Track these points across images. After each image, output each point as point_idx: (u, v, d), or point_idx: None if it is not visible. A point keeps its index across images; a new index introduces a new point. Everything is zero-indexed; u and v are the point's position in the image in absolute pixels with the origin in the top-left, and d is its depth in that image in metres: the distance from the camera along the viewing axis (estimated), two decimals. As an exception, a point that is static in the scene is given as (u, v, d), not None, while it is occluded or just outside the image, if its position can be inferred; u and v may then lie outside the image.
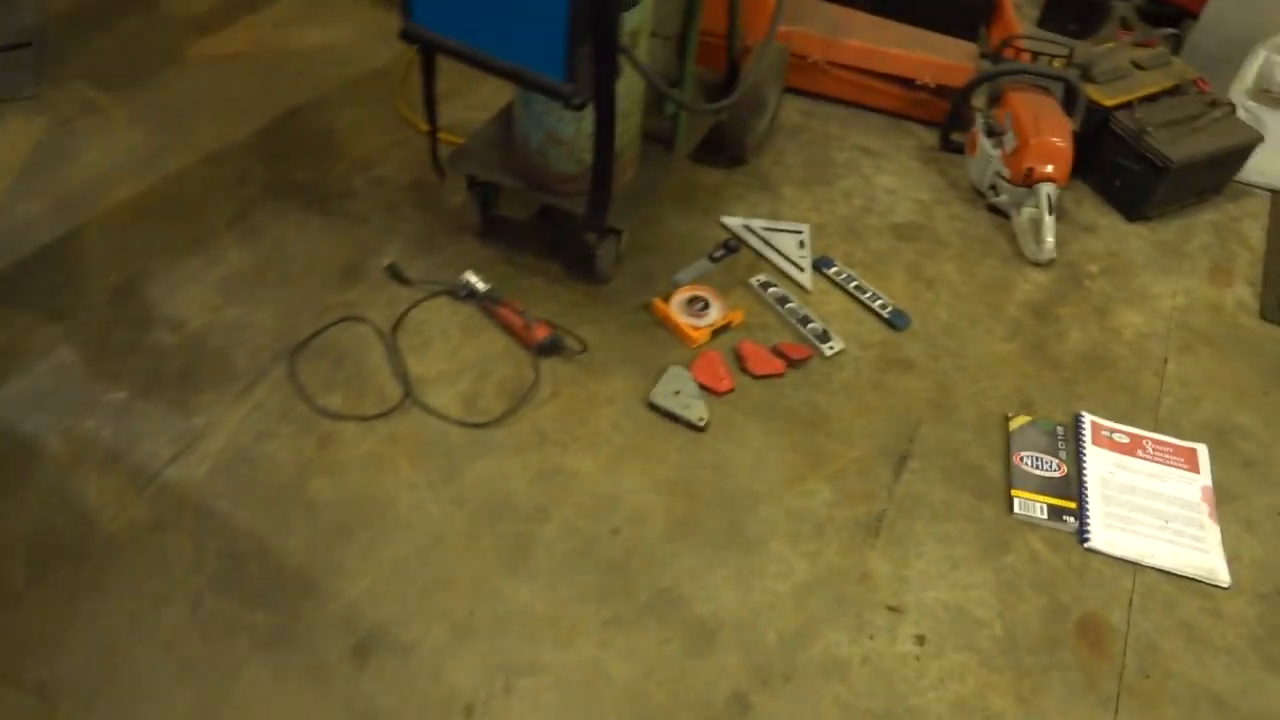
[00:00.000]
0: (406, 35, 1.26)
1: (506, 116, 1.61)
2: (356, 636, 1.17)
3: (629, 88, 1.39)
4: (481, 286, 1.57)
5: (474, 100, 1.94)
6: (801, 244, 1.74)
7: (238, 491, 1.30)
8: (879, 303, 1.63)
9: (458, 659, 1.16)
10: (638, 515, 1.32)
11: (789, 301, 1.62)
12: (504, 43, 1.20)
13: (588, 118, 1.31)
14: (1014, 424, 1.46)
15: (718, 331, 1.56)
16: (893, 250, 1.76)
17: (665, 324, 1.57)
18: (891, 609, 1.25)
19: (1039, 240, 1.72)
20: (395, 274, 1.61)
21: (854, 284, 1.66)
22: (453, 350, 1.52)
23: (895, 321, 1.60)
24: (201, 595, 1.19)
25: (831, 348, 1.55)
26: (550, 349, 1.51)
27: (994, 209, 1.85)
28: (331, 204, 1.74)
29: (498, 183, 1.57)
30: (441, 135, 1.59)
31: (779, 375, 1.50)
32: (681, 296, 1.59)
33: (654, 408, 1.44)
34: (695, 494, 1.35)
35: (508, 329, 1.54)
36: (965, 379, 1.53)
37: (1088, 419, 1.48)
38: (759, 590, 1.25)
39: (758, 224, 1.76)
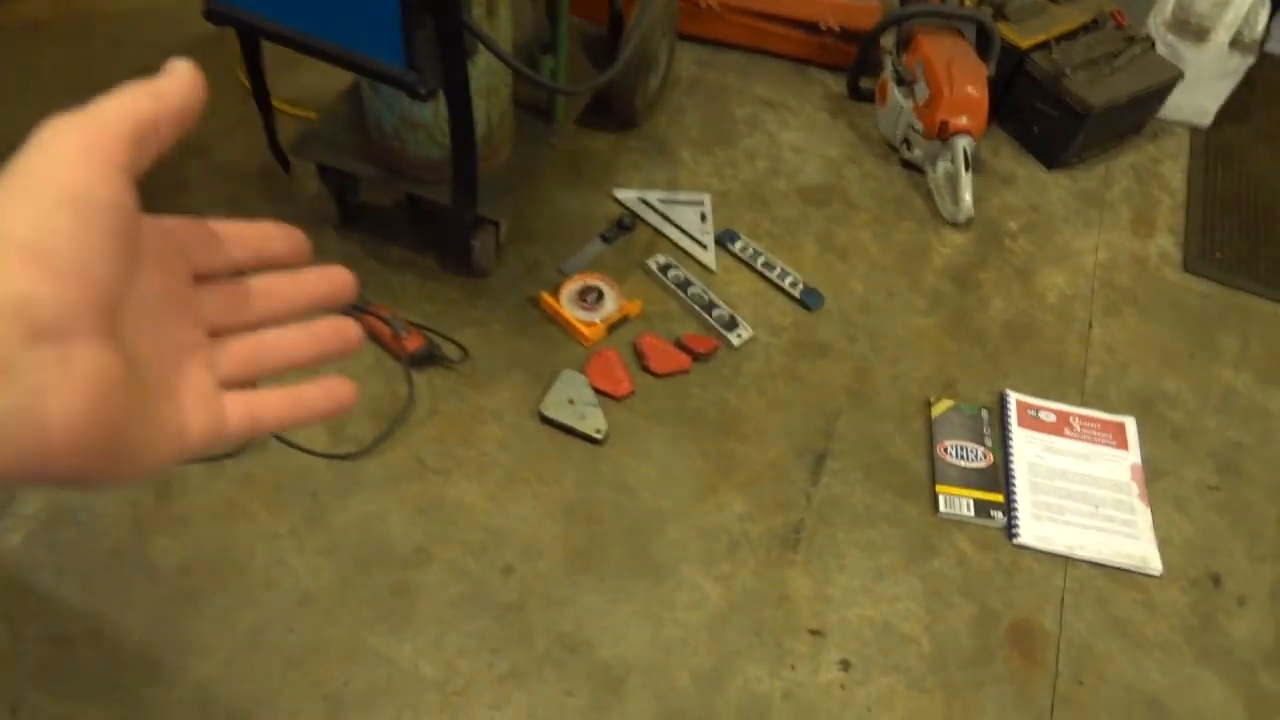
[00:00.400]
0: (212, 14, 1.06)
1: (357, 94, 1.41)
2: (211, 725, 1.03)
3: (490, 63, 1.21)
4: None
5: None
6: (703, 216, 1.59)
7: (61, 561, 1.12)
8: (789, 280, 1.51)
9: (330, 743, 1.03)
10: (532, 549, 1.19)
11: (692, 285, 1.48)
12: (330, 23, 1.00)
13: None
14: (936, 410, 1.37)
15: (614, 326, 1.42)
16: (803, 217, 1.63)
17: (556, 320, 1.42)
18: (814, 632, 1.16)
19: (956, 199, 1.62)
20: (243, 280, 1.42)
21: (761, 260, 1.53)
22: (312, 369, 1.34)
23: (808, 301, 1.48)
24: (22, 694, 1.03)
25: (740, 336, 1.43)
26: (425, 360, 1.35)
27: (908, 164, 1.73)
28: (161, 199, 1.53)
29: (352, 171, 1.38)
30: (290, 110, 1.38)
31: (684, 372, 1.38)
32: (572, 287, 1.44)
33: (546, 420, 1.30)
34: (596, 518, 1.22)
35: (376, 339, 1.37)
36: (884, 361, 1.43)
37: (1013, 398, 1.40)
38: (670, 625, 1.14)
39: (654, 196, 1.61)
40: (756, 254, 1.54)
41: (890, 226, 1.64)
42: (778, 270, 1.52)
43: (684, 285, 1.48)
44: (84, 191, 0.25)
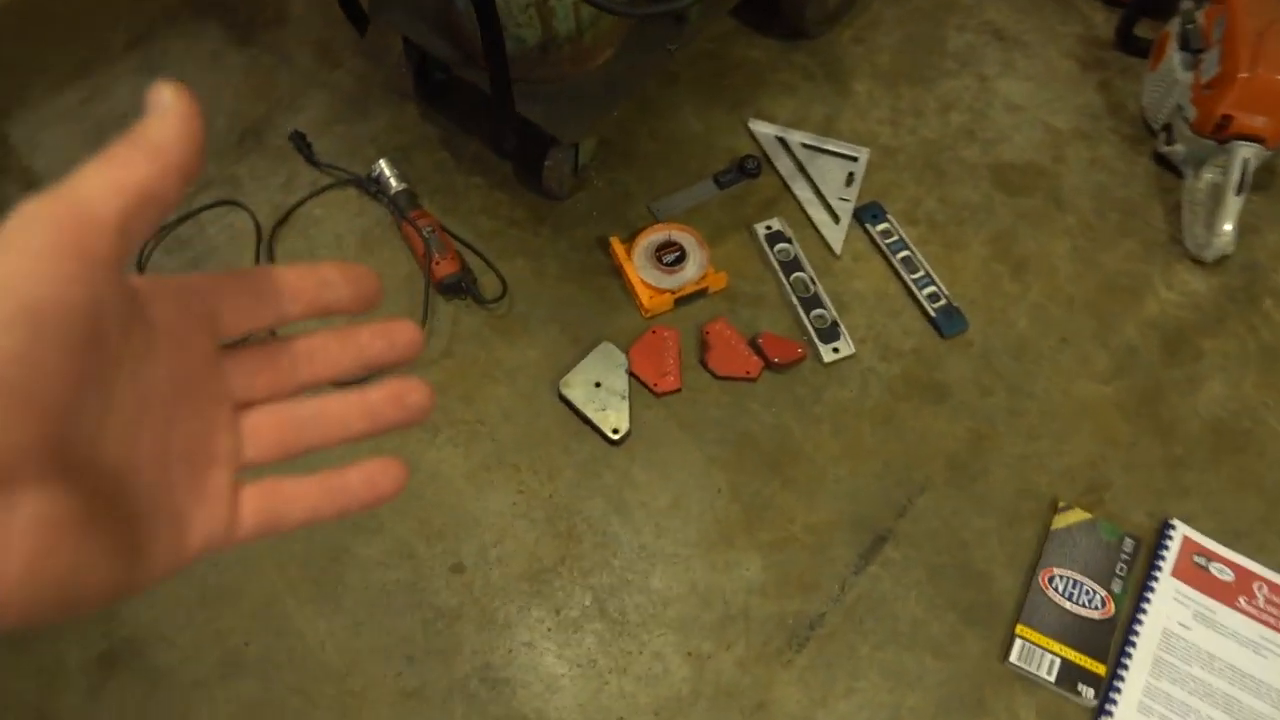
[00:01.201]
0: None
1: (450, -53, 1.18)
2: (108, 643, 0.98)
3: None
4: (395, 183, 1.22)
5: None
6: (850, 178, 1.26)
7: None
8: (928, 290, 1.17)
9: (208, 703, 0.95)
10: (492, 552, 1.02)
11: (800, 269, 1.18)
12: None
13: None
14: (1062, 519, 1.03)
15: (686, 299, 1.16)
16: (984, 205, 1.25)
17: (620, 274, 1.18)
18: (784, 763, 0.93)
19: (1212, 226, 1.17)
20: (301, 146, 1.28)
21: (903, 254, 1.20)
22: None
23: (943, 323, 1.15)
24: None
25: (836, 350, 1.13)
26: (454, 289, 1.17)
27: (1162, 159, 1.28)
28: (257, 34, 1.40)
29: (424, 46, 1.17)
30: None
31: (750, 379, 1.11)
32: (652, 238, 1.19)
33: (564, 399, 1.10)
34: (576, 535, 1.03)
35: (412, 250, 1.20)
36: (1018, 430, 1.09)
37: (1180, 531, 1.03)
38: (614, 693, 0.96)
39: (798, 137, 1.29)
40: (900, 244, 1.20)
41: (1102, 243, 1.22)
42: (920, 274, 1.18)
43: (790, 266, 1.19)
44: (47, 302, 0.22)
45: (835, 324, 1.14)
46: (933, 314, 1.15)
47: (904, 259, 1.19)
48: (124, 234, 0.24)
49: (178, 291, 0.28)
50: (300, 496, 0.31)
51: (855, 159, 1.27)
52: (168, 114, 0.25)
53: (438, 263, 1.16)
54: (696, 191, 1.25)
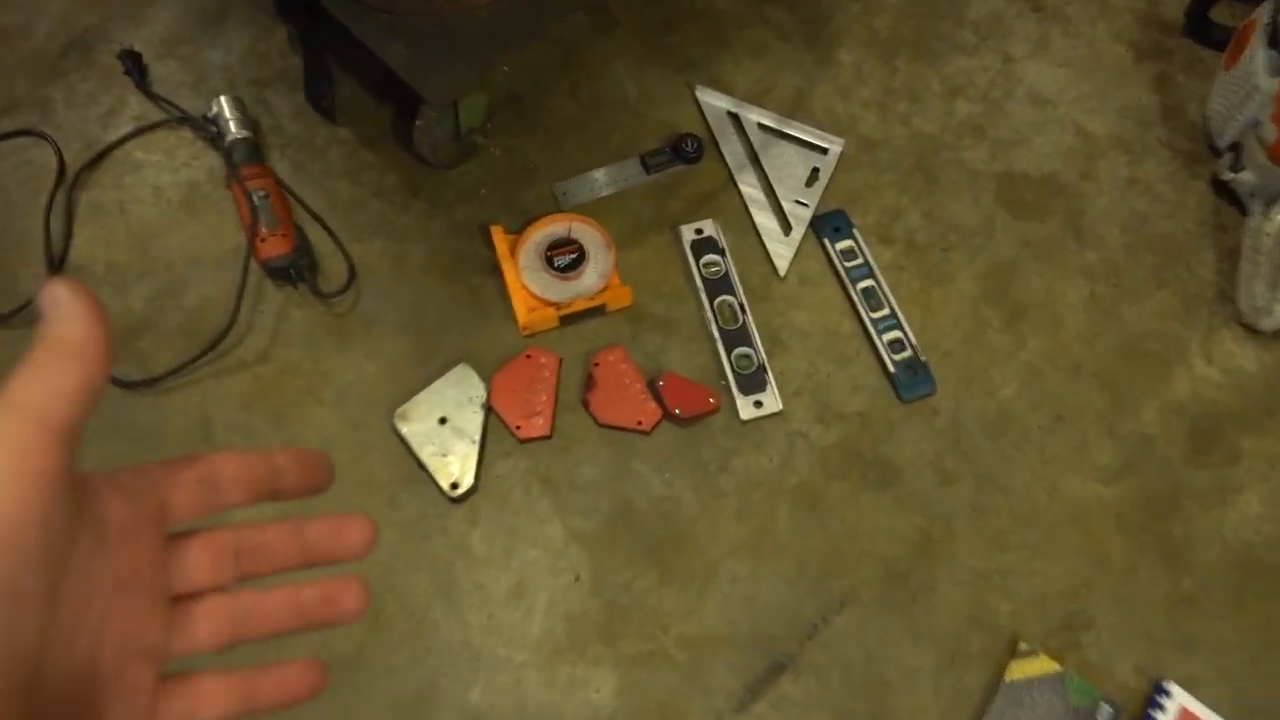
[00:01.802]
0: None
1: None
2: None
3: None
4: (235, 128, 0.97)
5: None
6: (814, 176, 0.99)
7: None
8: (892, 334, 0.90)
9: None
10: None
11: (729, 290, 0.92)
12: None
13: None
14: (1020, 666, 0.78)
15: (576, 316, 0.91)
16: (983, 227, 0.98)
17: (500, 273, 0.93)
18: None
19: (1278, 284, 0.90)
20: (132, 68, 1.02)
21: (866, 282, 0.93)
22: (151, 229, 0.96)
23: (904, 381, 0.89)
24: None
25: (758, 404, 0.88)
26: (283, 274, 0.92)
27: (1222, 188, 0.99)
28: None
29: (268, -46, 0.91)
30: None
31: (642, 431, 0.87)
32: (546, 231, 0.93)
33: (399, 436, 0.86)
34: (385, 620, 0.80)
35: (240, 217, 0.95)
36: (982, 535, 0.84)
37: (1176, 699, 0.78)
38: (397, 842, 0.73)
39: (756, 115, 1.02)
40: (864, 270, 0.94)
41: (1130, 292, 0.95)
42: (885, 312, 0.91)
43: (717, 286, 0.93)
44: (13, 521, 0.23)
45: (762, 369, 0.89)
46: (892, 367, 0.89)
47: (866, 290, 0.93)
48: (72, 439, 0.26)
49: (131, 484, 0.29)
50: (222, 699, 0.31)
51: (825, 150, 1.00)
52: (73, 312, 0.27)
53: (264, 238, 0.91)
54: (617, 174, 0.99)
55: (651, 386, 0.87)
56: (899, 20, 1.09)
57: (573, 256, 0.91)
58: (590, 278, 0.92)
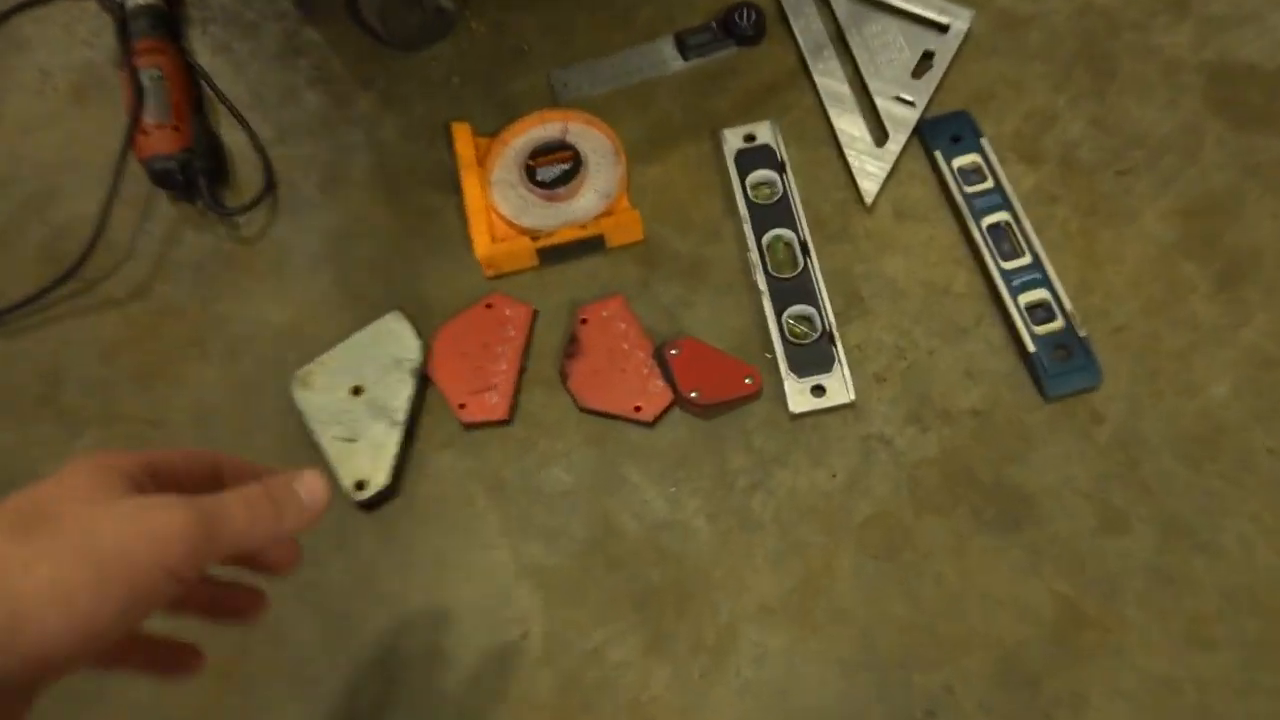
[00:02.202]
0: None
1: None
2: None
3: None
4: (142, -5, 0.73)
5: None
6: (926, 63, 0.68)
7: None
8: (1034, 294, 0.59)
9: None
10: (87, 685, 0.56)
11: (785, 224, 0.63)
12: None
13: None
14: None
15: (561, 250, 0.64)
16: (1183, 141, 0.65)
17: (460, 192, 0.66)
18: None
19: None
20: (33, -77, 0.80)
21: (996, 216, 0.62)
22: (28, 123, 0.74)
23: (1049, 367, 0.57)
24: None
25: (818, 392, 0.58)
26: (170, 179, 0.68)
27: None
28: None
29: None
30: None
31: (642, 423, 0.59)
32: (532, 133, 0.66)
33: (299, 410, 0.61)
34: (246, 676, 0.55)
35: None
36: (1168, 625, 0.52)
37: None
38: None
39: (847, -21, 0.71)
40: (995, 199, 0.62)
41: None
42: (1024, 262, 0.60)
43: (769, 216, 0.63)
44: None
45: (829, 339, 0.59)
46: (1032, 345, 0.58)
47: (995, 228, 0.62)
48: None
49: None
50: None
51: (944, 27, 0.69)
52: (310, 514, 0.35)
53: (147, 131, 0.67)
54: (641, 59, 0.71)
55: (660, 356, 0.59)
56: None
57: (564, 168, 0.64)
58: (587, 198, 0.64)
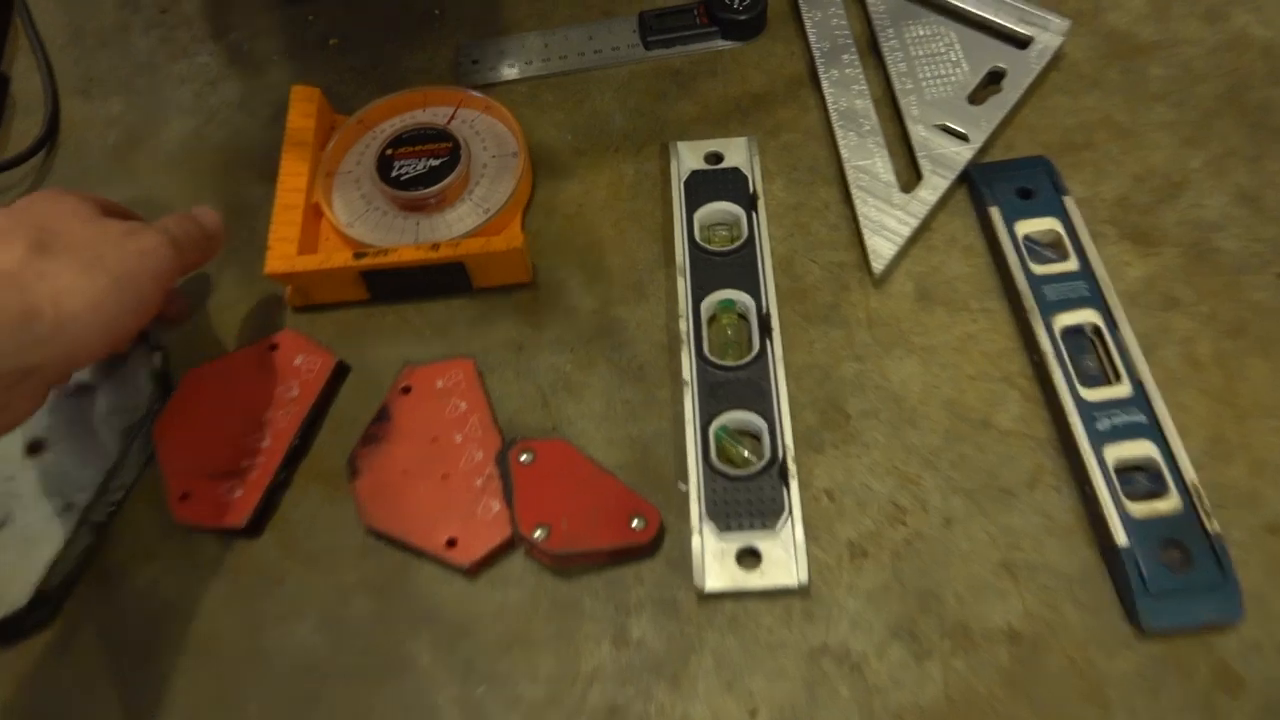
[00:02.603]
0: None
1: None
2: None
3: None
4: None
5: None
6: (992, 83, 0.46)
7: None
8: (1132, 448, 0.35)
9: None
10: None
11: (744, 286, 0.41)
12: None
13: None
14: None
15: (400, 279, 0.42)
16: (1387, 243, 0.42)
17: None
18: None
19: None
20: None
21: (1074, 315, 0.39)
22: None
23: (1153, 581, 0.33)
24: None
25: (749, 558, 0.35)
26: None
27: None
28: None
29: None
30: None
31: (460, 570, 0.36)
32: (416, 115, 0.46)
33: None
34: None
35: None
36: None
37: None
38: None
39: (891, -32, 0.51)
40: (1078, 290, 0.39)
41: None
42: (1122, 393, 0.37)
43: (717, 269, 0.41)
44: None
45: (780, 471, 0.36)
46: (1124, 534, 0.34)
47: (1075, 330, 0.39)
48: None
49: None
50: None
51: (1025, 41, 0.47)
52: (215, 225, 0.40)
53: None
54: (584, 40, 0.50)
55: (504, 462, 0.37)
56: None
57: (433, 164, 0.43)
58: (460, 210, 0.43)
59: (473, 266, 0.41)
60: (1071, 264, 0.40)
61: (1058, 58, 0.47)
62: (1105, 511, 0.34)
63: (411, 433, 0.38)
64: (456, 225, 0.43)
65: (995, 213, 0.42)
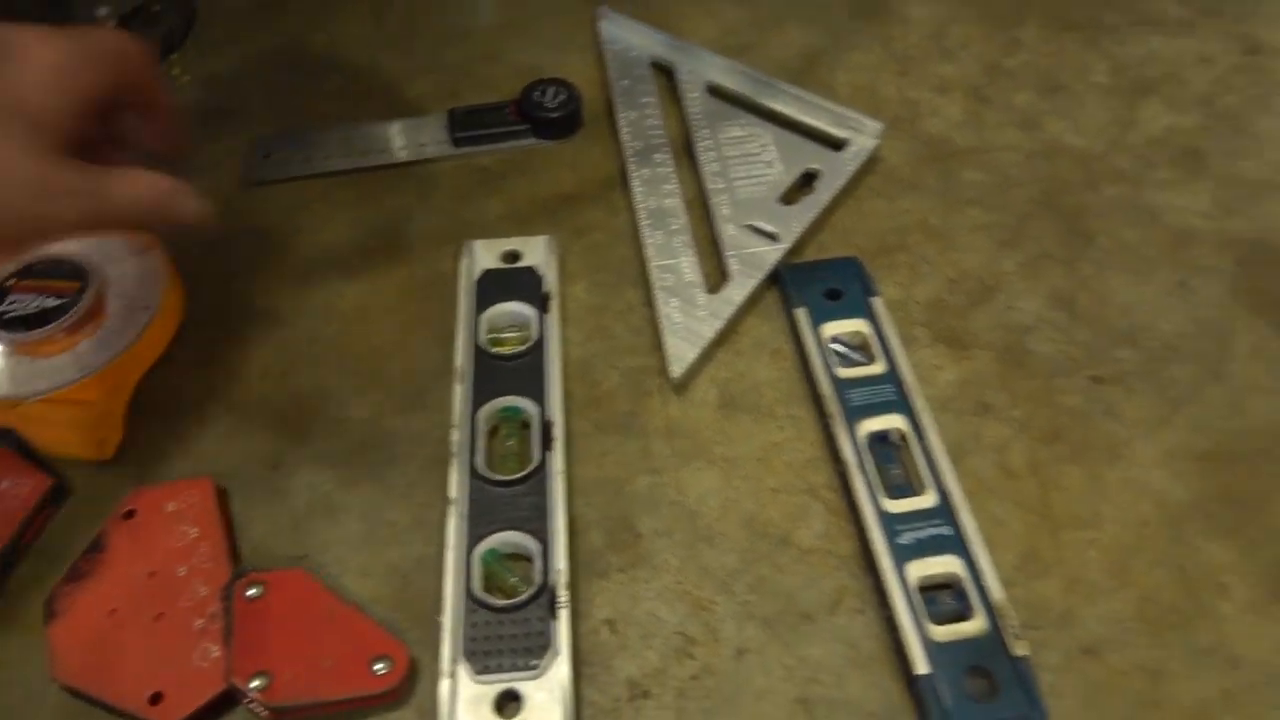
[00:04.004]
0: None
1: None
2: None
3: None
4: None
5: None
6: (806, 184, 0.46)
7: None
8: (935, 564, 0.33)
9: None
10: None
11: (527, 391, 0.38)
12: None
13: None
14: None
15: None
16: (1203, 346, 0.41)
17: None
18: None
19: None
20: None
21: (880, 421, 0.37)
22: None
23: (958, 716, 0.30)
24: None
25: (508, 704, 0.31)
26: None
27: None
28: None
29: None
30: None
31: (165, 722, 0.31)
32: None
33: None
34: None
35: None
36: None
37: None
38: None
39: (713, 68, 0.51)
40: (887, 396, 0.38)
41: None
42: (927, 503, 0.35)
43: (501, 374, 0.38)
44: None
45: (549, 601, 0.33)
46: (925, 661, 0.31)
47: (880, 437, 0.37)
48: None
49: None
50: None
51: (839, 143, 0.47)
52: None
53: None
54: (386, 137, 0.49)
55: (228, 597, 0.32)
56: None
57: (49, 304, 0.39)
58: (60, 363, 0.39)
59: (26, 428, 0.37)
60: (879, 367, 0.39)
61: (874, 161, 0.47)
62: (905, 636, 0.31)
63: (127, 566, 0.34)
64: (53, 377, 0.38)
65: (802, 314, 0.40)
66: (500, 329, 0.41)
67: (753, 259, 0.42)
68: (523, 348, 0.39)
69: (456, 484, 0.35)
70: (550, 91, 0.49)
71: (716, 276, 0.43)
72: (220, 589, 0.33)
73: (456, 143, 0.48)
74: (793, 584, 0.34)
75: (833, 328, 0.40)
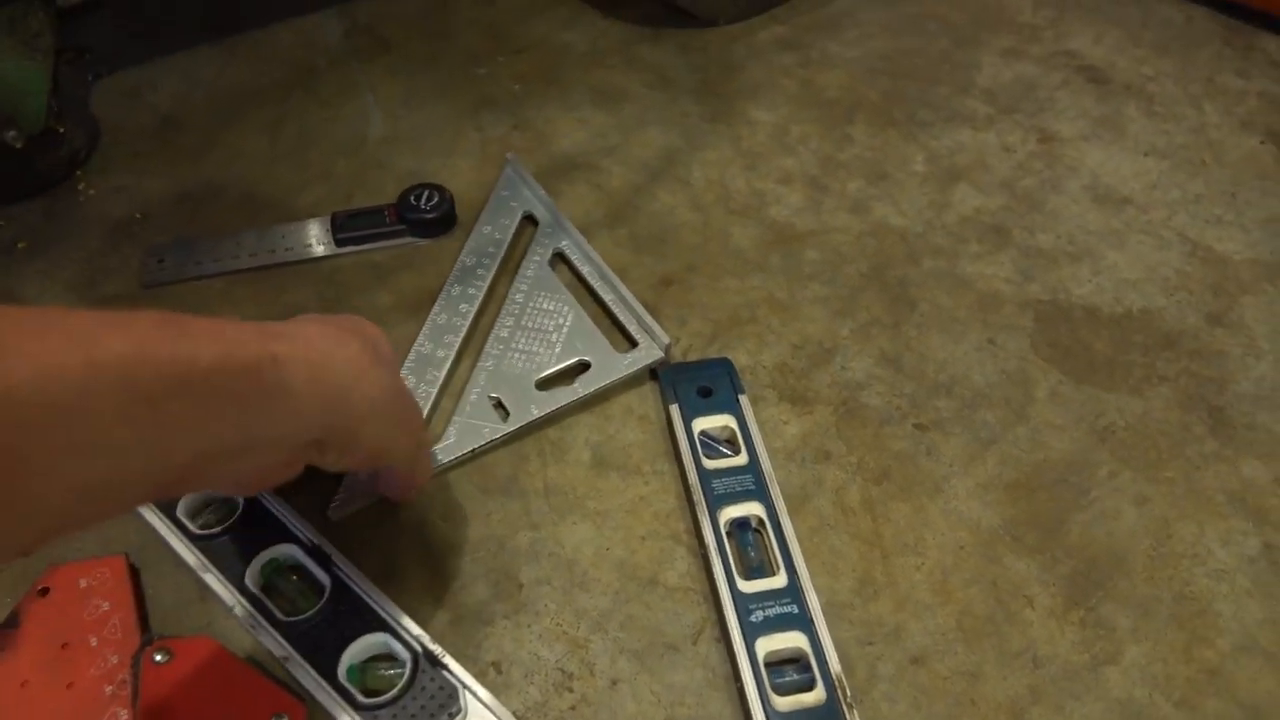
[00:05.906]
0: None
1: None
2: None
3: None
4: None
5: None
6: (580, 372, 0.51)
7: None
8: (785, 638, 0.38)
9: None
10: None
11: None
12: None
13: None
14: None
15: None
16: (1006, 394, 0.48)
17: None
18: None
19: None
20: None
21: (743, 508, 0.42)
22: None
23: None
24: None
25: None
26: None
27: None
28: None
29: None
30: None
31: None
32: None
33: None
34: None
35: None
36: None
37: None
38: None
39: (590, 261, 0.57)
40: (746, 483, 0.43)
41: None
42: (779, 581, 0.40)
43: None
44: None
45: (429, 659, 0.36)
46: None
47: (741, 523, 0.42)
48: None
49: None
50: None
51: (634, 343, 0.53)
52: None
53: None
54: (274, 239, 0.53)
55: (136, 665, 0.35)
56: (858, 80, 0.67)
57: None
58: None
59: None
60: (741, 459, 0.43)
61: (725, 241, 0.54)
62: (750, 707, 0.35)
63: (40, 639, 0.36)
64: None
65: (675, 410, 0.45)
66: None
67: (470, 431, 0.45)
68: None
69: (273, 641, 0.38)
70: (425, 195, 0.54)
71: (442, 426, 0.45)
72: (130, 656, 0.35)
73: (339, 243, 0.53)
74: (659, 619, 0.39)
75: (703, 422, 0.45)
